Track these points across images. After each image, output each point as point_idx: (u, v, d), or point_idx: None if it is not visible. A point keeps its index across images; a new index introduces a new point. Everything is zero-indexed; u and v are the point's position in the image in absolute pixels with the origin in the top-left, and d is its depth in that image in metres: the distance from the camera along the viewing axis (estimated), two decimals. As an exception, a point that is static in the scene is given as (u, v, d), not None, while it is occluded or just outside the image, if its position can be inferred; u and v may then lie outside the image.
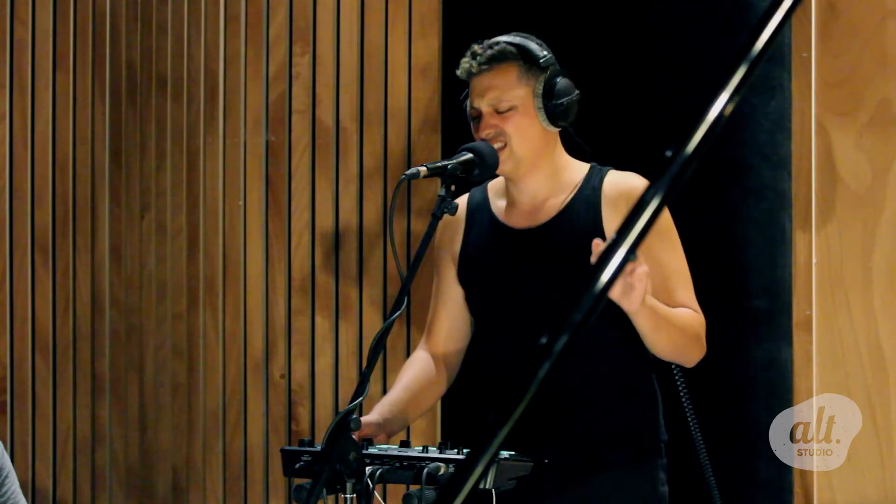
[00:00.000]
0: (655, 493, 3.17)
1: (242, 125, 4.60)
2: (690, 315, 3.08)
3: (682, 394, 3.19)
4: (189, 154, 4.67)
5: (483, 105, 3.12)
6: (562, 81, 3.14)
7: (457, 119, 4.27)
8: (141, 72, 4.73)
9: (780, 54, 3.83)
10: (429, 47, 4.39)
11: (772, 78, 3.84)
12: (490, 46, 3.14)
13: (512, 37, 3.18)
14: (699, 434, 3.19)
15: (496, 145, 3.10)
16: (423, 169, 3.03)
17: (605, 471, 3.13)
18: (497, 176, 3.20)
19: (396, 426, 3.21)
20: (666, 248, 3.12)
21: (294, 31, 4.56)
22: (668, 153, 1.33)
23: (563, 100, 3.13)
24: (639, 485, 3.16)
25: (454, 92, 4.31)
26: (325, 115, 4.51)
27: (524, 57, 3.13)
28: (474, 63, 3.14)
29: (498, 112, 3.11)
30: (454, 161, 3.05)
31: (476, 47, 3.16)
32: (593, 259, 2.74)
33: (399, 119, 4.43)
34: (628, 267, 2.72)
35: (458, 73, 3.17)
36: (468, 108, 3.18)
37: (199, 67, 4.65)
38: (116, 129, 4.76)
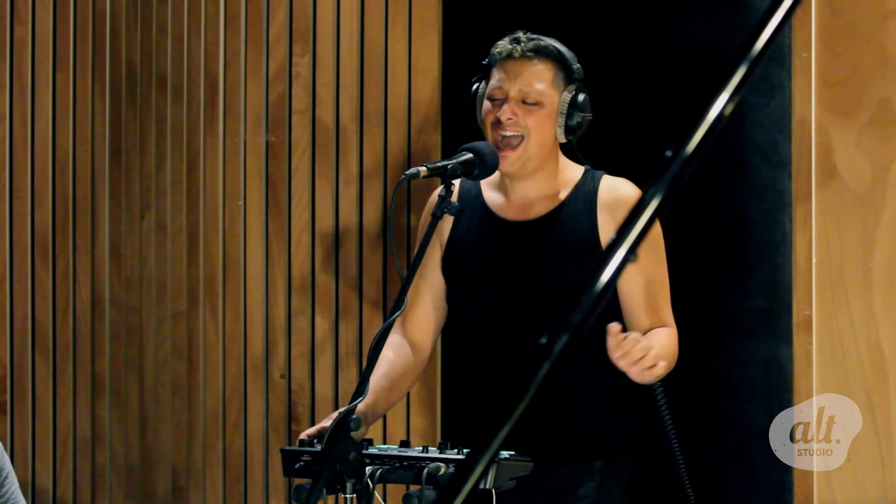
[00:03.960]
0: (624, 492, 3.21)
1: (242, 125, 4.60)
2: (670, 338, 3.12)
3: (662, 408, 3.19)
4: (189, 154, 4.67)
5: (513, 89, 3.14)
6: (584, 99, 3.18)
7: (457, 119, 4.27)
8: (141, 72, 4.73)
9: (780, 54, 3.83)
10: (429, 47, 4.39)
11: (772, 78, 3.84)
12: (533, 39, 3.17)
13: (550, 39, 3.20)
14: (678, 449, 3.19)
15: (509, 133, 3.12)
16: (423, 169, 3.04)
17: (579, 467, 3.16)
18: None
19: (378, 415, 3.23)
20: (654, 259, 3.15)
21: (294, 31, 4.56)
22: (668, 153, 1.33)
23: (581, 117, 3.16)
24: (611, 482, 3.19)
25: (454, 92, 4.32)
26: (325, 115, 4.51)
27: (561, 62, 3.16)
28: (517, 47, 3.15)
29: (525, 102, 3.13)
30: (454, 161, 3.06)
31: (519, 34, 3.18)
32: (609, 343, 2.78)
33: (399, 119, 4.42)
34: (624, 349, 2.76)
35: (495, 52, 3.18)
36: (490, 89, 3.18)
37: (199, 67, 4.65)
38: (116, 129, 4.76)
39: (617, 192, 3.15)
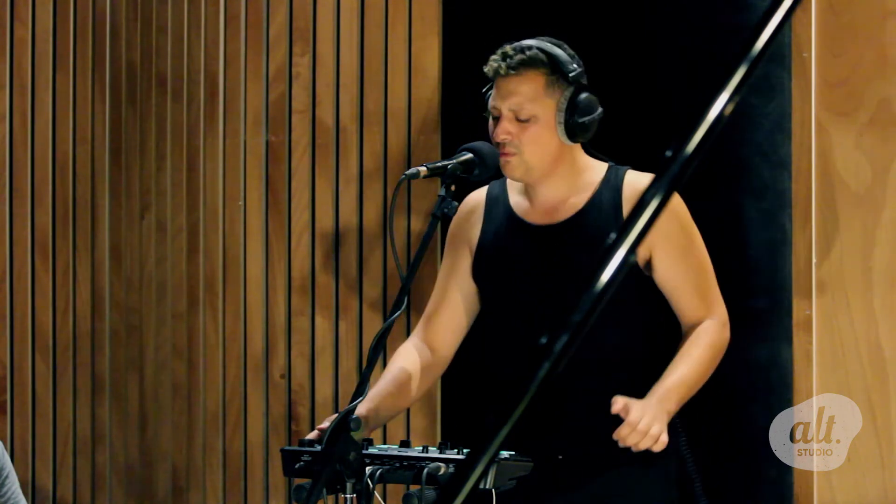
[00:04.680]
0: (667, 493, 3.18)
1: (242, 125, 4.60)
2: (712, 339, 3.14)
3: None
4: (189, 154, 4.67)
5: (504, 109, 3.11)
6: (586, 98, 3.13)
7: (457, 119, 4.27)
8: (141, 72, 4.73)
9: (780, 54, 3.83)
10: (429, 47, 4.39)
11: (772, 78, 3.84)
12: (521, 50, 3.12)
13: (543, 42, 3.15)
14: (685, 442, 3.21)
15: (507, 150, 3.11)
16: (423, 169, 3.04)
17: (615, 469, 3.14)
18: (500, 176, 3.20)
19: (381, 420, 3.21)
20: (692, 245, 3.14)
21: (294, 31, 4.56)
22: (668, 153, 1.33)
23: (585, 118, 3.12)
24: (649, 484, 3.17)
25: (454, 92, 4.32)
26: (325, 115, 4.51)
27: (553, 67, 3.12)
28: (503, 65, 3.11)
29: (518, 119, 3.11)
30: (454, 161, 3.06)
31: (508, 48, 3.13)
32: (615, 408, 2.88)
33: (399, 119, 4.42)
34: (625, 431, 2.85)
35: (486, 70, 3.15)
36: (490, 106, 3.17)
37: (199, 67, 4.65)
38: (116, 129, 4.76)
39: (641, 186, 3.13)
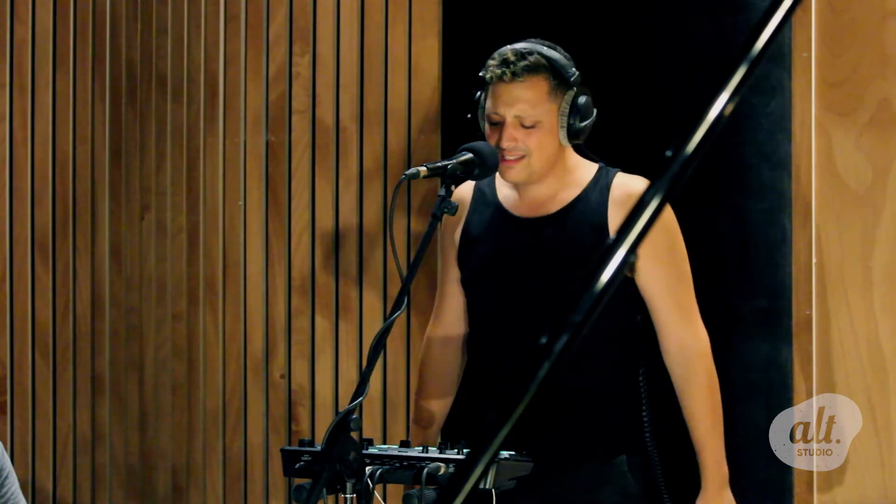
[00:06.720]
0: (628, 488, 3.20)
1: (242, 125, 4.60)
2: (709, 383, 3.18)
3: (643, 399, 3.23)
4: (189, 154, 4.67)
5: (509, 115, 3.12)
6: (585, 101, 3.16)
7: (457, 119, 4.27)
8: (141, 72, 4.73)
9: (780, 54, 3.83)
10: (429, 47, 4.39)
11: (772, 78, 3.84)
12: (523, 56, 3.12)
13: (539, 45, 3.16)
14: (652, 439, 3.23)
15: (512, 156, 3.12)
16: (423, 169, 3.04)
17: (581, 464, 3.17)
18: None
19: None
20: (674, 254, 3.15)
21: (294, 31, 4.56)
22: (668, 153, 1.33)
23: (586, 121, 3.15)
24: (614, 479, 3.19)
25: (454, 92, 4.32)
26: (325, 115, 4.51)
27: (554, 72, 3.13)
28: (507, 71, 3.11)
29: (523, 126, 3.11)
30: (454, 161, 3.06)
31: (509, 54, 3.13)
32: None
33: (399, 119, 4.42)
34: None
35: (486, 76, 3.15)
36: (488, 111, 3.16)
37: (199, 67, 4.65)
38: (116, 129, 4.76)
39: (629, 188, 3.15)
